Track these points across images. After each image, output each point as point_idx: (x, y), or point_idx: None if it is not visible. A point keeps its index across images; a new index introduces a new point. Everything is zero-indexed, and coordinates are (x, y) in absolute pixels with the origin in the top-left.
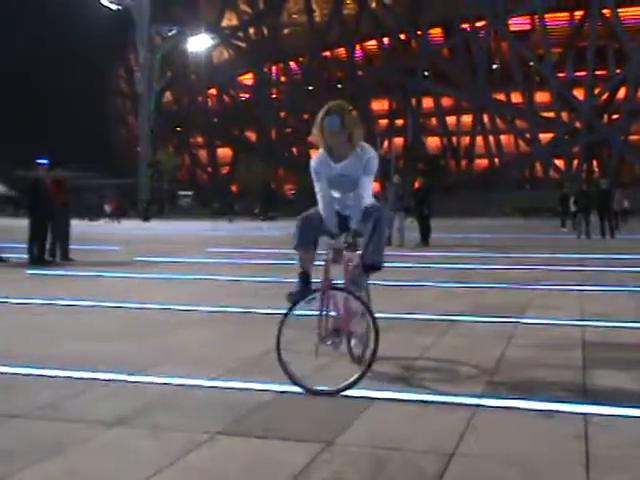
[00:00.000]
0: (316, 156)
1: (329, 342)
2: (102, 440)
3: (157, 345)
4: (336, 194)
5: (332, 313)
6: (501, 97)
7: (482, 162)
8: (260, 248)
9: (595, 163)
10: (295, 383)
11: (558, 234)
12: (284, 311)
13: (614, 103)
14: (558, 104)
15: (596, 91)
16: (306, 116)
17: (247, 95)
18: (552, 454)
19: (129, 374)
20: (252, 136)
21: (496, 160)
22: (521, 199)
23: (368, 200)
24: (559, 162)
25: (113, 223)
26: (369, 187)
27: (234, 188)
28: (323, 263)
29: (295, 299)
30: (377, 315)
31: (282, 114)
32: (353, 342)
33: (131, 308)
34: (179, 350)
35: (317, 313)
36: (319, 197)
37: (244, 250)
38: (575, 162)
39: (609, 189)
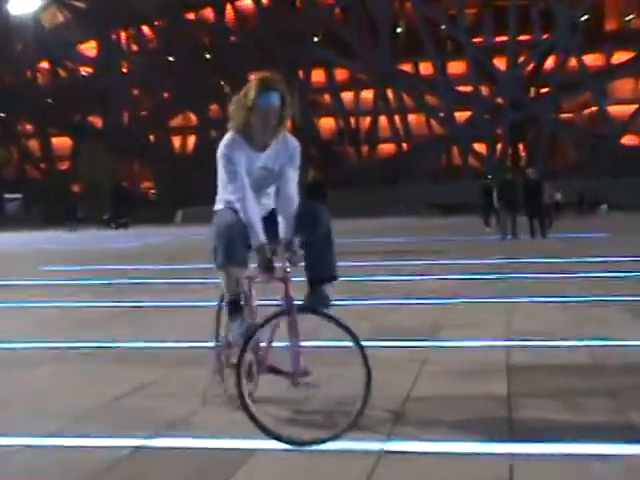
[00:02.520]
0: (226, 140)
1: (306, 380)
2: None
3: None
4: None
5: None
6: (408, 68)
7: (387, 148)
8: (109, 264)
9: (521, 147)
10: (271, 436)
11: (481, 235)
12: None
13: (542, 74)
14: (476, 76)
15: (520, 59)
16: (166, 94)
17: (89, 69)
18: None
19: None
20: (97, 121)
21: (404, 145)
22: (435, 193)
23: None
24: (479, 146)
25: None
26: (296, 184)
27: (76, 188)
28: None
29: (247, 337)
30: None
31: (135, 92)
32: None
33: None
34: (6, 400)
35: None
36: (240, 195)
37: (88, 267)
38: (498, 146)
39: (538, 179)
